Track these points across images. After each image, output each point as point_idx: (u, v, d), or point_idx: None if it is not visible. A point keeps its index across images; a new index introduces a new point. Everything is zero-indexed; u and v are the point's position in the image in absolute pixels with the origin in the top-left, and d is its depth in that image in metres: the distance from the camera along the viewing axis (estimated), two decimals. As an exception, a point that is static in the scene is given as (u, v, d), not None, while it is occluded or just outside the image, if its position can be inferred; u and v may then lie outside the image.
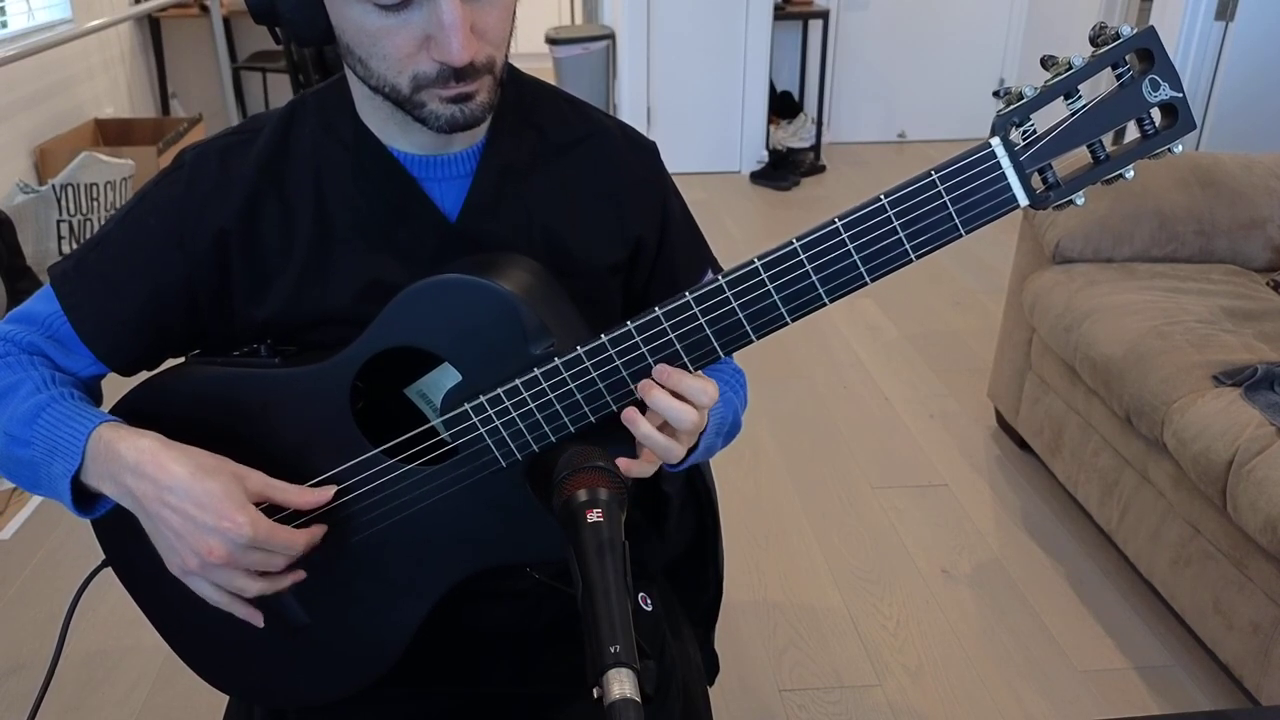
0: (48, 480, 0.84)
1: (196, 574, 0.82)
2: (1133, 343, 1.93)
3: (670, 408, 0.80)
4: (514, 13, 0.83)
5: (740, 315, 0.79)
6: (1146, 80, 0.73)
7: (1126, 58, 0.74)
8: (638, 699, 0.61)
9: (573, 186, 0.94)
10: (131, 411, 0.91)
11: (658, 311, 0.79)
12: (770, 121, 4.97)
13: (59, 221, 3.29)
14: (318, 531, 0.85)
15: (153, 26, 4.79)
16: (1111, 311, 2.04)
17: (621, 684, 0.61)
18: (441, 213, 0.91)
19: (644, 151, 1.00)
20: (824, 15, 4.80)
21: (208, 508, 0.78)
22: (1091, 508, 2.13)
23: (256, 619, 0.88)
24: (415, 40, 0.77)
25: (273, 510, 0.84)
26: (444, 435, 0.85)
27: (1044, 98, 0.74)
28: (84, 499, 0.86)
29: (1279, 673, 1.59)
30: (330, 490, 0.86)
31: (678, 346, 0.80)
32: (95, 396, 0.95)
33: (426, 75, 0.79)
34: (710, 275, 1.00)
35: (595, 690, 0.61)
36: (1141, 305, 2.03)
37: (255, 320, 0.90)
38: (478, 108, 0.81)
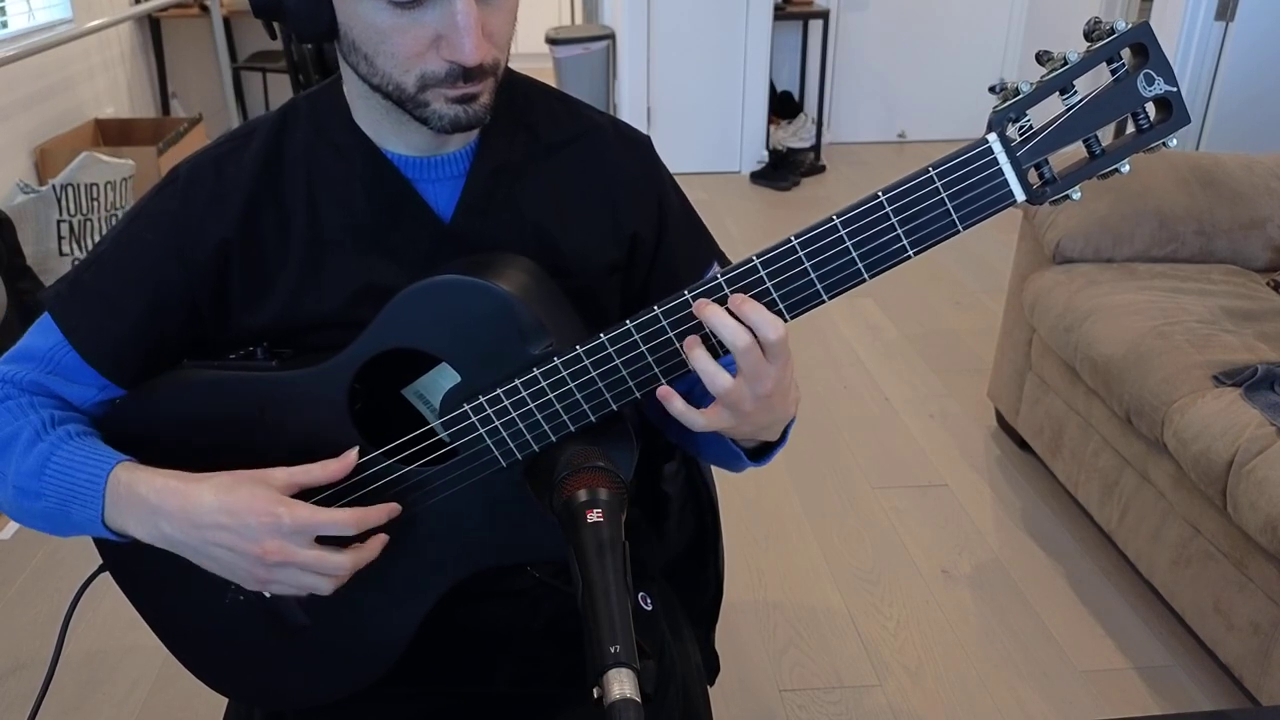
0: (70, 525, 0.85)
1: (268, 581, 0.82)
2: (1133, 343, 1.93)
3: (739, 335, 0.77)
4: (516, 16, 0.83)
5: (739, 313, 0.79)
6: (1141, 75, 0.73)
7: (1121, 53, 0.74)
8: (637, 699, 0.61)
9: (565, 186, 0.94)
10: (127, 416, 0.91)
11: (656, 310, 0.79)
12: (770, 121, 4.97)
13: (59, 221, 3.28)
14: (368, 514, 0.82)
15: (153, 26, 4.79)
16: (1112, 311, 2.03)
17: (621, 684, 0.61)
18: (435, 214, 0.91)
19: (637, 147, 0.99)
20: (824, 15, 4.80)
21: (242, 514, 0.79)
22: (1091, 508, 2.13)
23: (376, 545, 0.85)
24: (425, 39, 0.77)
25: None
26: (443, 435, 0.85)
27: (1040, 93, 0.74)
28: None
29: (1279, 673, 1.59)
30: (352, 453, 0.84)
31: (677, 345, 0.80)
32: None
33: (434, 74, 0.79)
34: (715, 269, 1.00)
35: (595, 690, 0.61)
36: (1142, 305, 2.03)
37: (253, 327, 0.90)
38: (480, 109, 0.82)
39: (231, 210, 0.89)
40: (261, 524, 0.78)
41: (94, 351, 0.89)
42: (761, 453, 0.93)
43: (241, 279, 0.90)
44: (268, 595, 0.91)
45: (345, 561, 0.81)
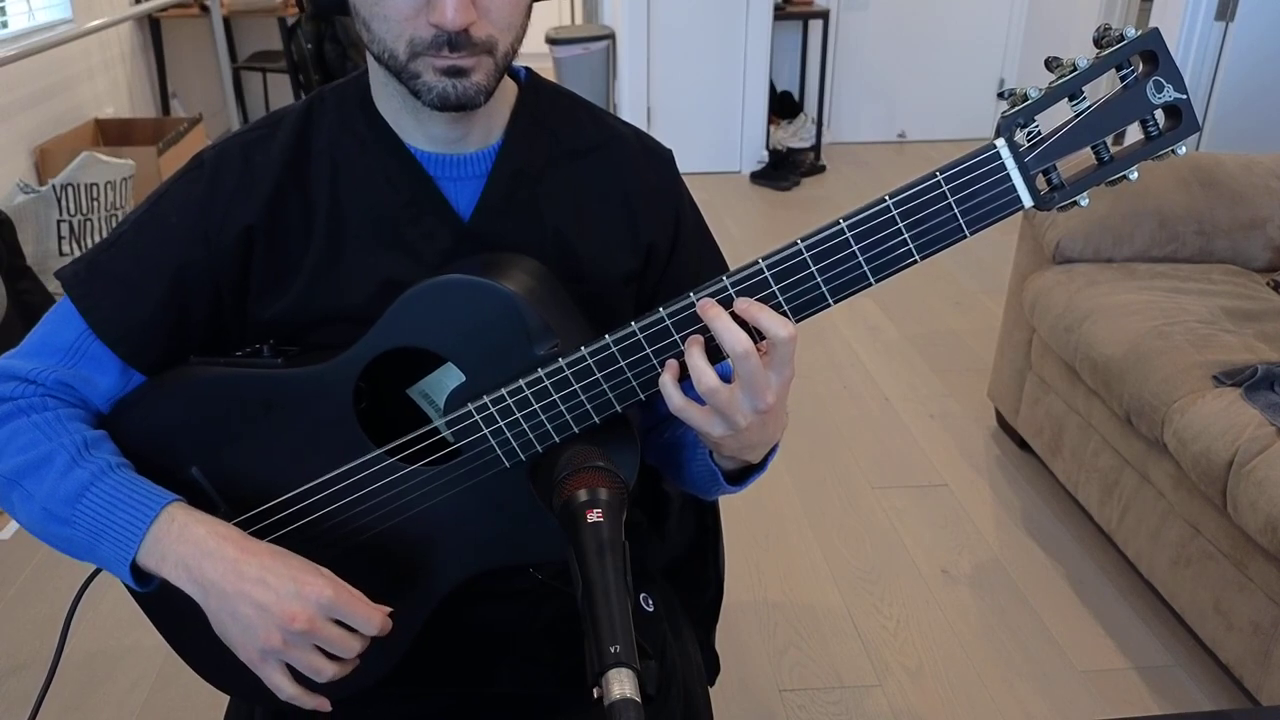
0: (93, 558, 0.84)
1: (278, 651, 0.79)
2: (1133, 343, 1.93)
3: (749, 366, 0.76)
4: (528, 4, 0.83)
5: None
6: (1151, 82, 0.73)
7: (1131, 59, 0.74)
8: (638, 699, 0.61)
9: (585, 192, 0.94)
10: (132, 413, 0.91)
11: (661, 312, 0.79)
12: (770, 121, 4.97)
13: (59, 221, 3.28)
14: (386, 619, 0.82)
15: (153, 26, 4.78)
16: (1112, 312, 2.04)
17: (622, 684, 0.61)
18: (455, 212, 0.91)
19: (659, 160, 0.99)
20: (824, 15, 4.80)
21: (287, 575, 0.79)
22: (1091, 508, 2.13)
23: (325, 706, 0.87)
24: (415, 3, 0.78)
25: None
26: (447, 435, 0.85)
27: (1048, 99, 0.74)
28: (139, 575, 0.84)
29: (1279, 673, 1.59)
30: (388, 622, 0.82)
31: (683, 348, 0.80)
32: None
33: (422, 40, 0.79)
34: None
35: (595, 690, 0.61)
36: (1142, 305, 2.03)
37: (266, 317, 0.90)
38: (471, 87, 0.81)
39: (258, 197, 0.89)
40: (299, 590, 0.78)
41: (115, 334, 0.88)
42: (740, 477, 0.93)
43: (263, 267, 0.90)
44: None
45: (356, 645, 0.81)
